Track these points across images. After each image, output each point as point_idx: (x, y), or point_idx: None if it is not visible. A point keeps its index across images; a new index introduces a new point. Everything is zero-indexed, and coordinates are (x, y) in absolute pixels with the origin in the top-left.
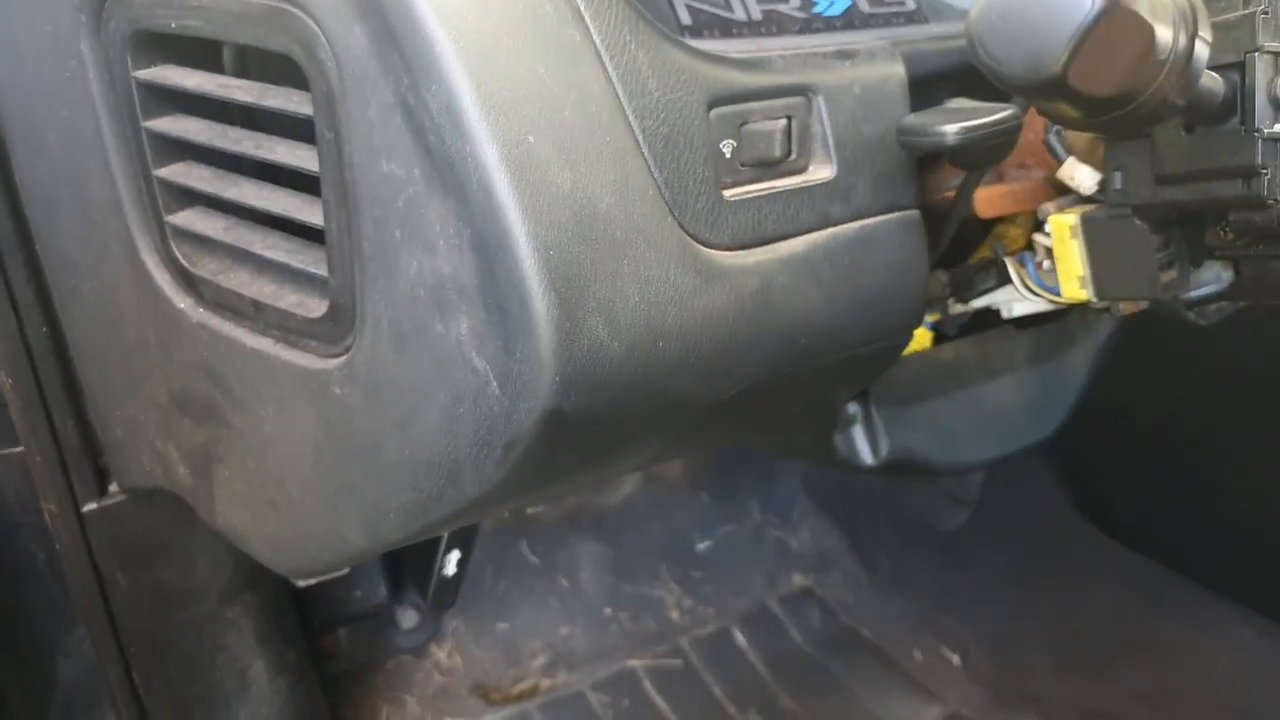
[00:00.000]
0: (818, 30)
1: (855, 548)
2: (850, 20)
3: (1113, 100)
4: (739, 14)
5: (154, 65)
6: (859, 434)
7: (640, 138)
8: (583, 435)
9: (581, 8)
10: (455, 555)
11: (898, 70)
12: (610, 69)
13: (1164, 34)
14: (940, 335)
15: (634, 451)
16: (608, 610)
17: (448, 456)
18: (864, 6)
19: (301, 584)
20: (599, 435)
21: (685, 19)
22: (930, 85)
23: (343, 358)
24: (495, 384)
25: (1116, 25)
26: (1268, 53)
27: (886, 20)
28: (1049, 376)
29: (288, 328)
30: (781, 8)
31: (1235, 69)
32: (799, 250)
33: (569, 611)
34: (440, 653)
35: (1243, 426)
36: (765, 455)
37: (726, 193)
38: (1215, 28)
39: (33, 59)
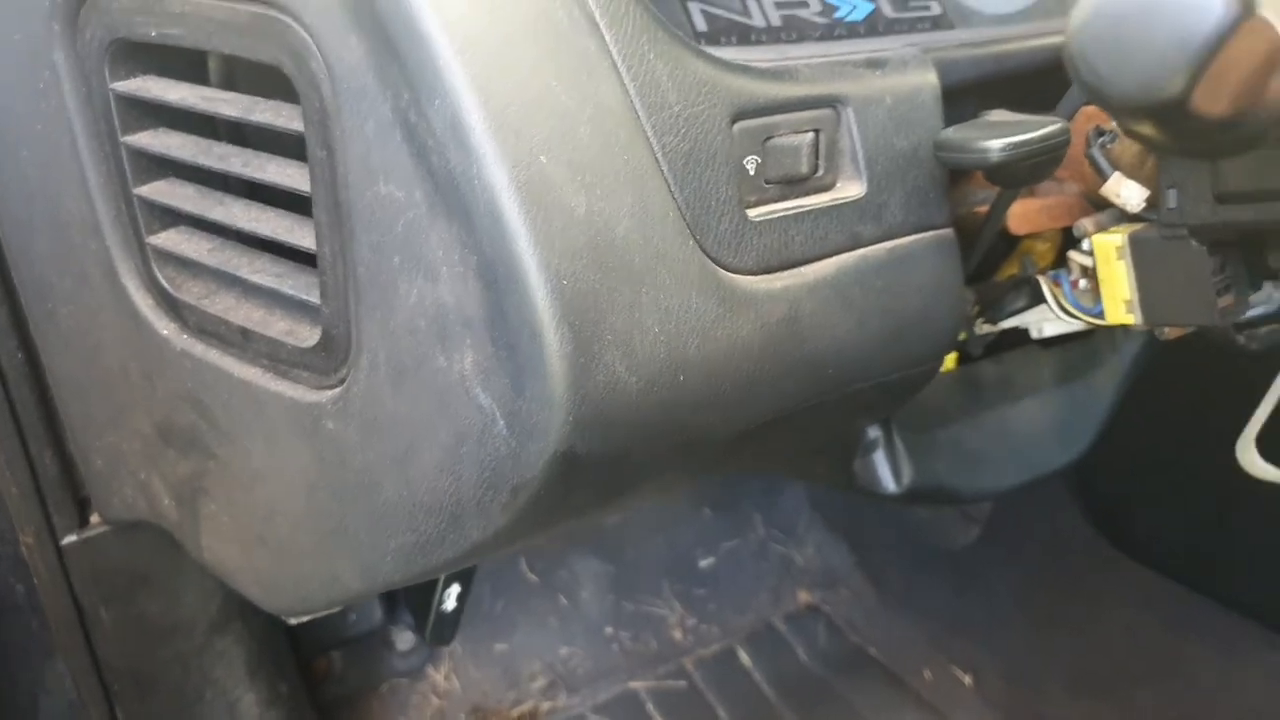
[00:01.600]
0: (840, 37)
1: (862, 564)
2: (874, 26)
3: (1227, 123)
4: (757, 20)
5: (134, 76)
6: (881, 460)
7: (659, 155)
8: (596, 476)
9: (596, 15)
10: (455, 590)
11: (930, 79)
12: (628, 81)
13: None
14: (964, 356)
15: (649, 488)
16: (609, 629)
17: (450, 498)
18: (887, 11)
19: (293, 621)
20: (613, 475)
21: (701, 25)
22: (957, 96)
23: (336, 390)
24: (502, 423)
25: (1246, 39)
26: None
27: (911, 26)
28: (1075, 398)
29: (277, 357)
30: (801, 13)
31: None
32: (827, 273)
33: (569, 631)
34: (437, 675)
35: (1271, 442)
36: None
37: (750, 213)
38: None
39: (3, 70)
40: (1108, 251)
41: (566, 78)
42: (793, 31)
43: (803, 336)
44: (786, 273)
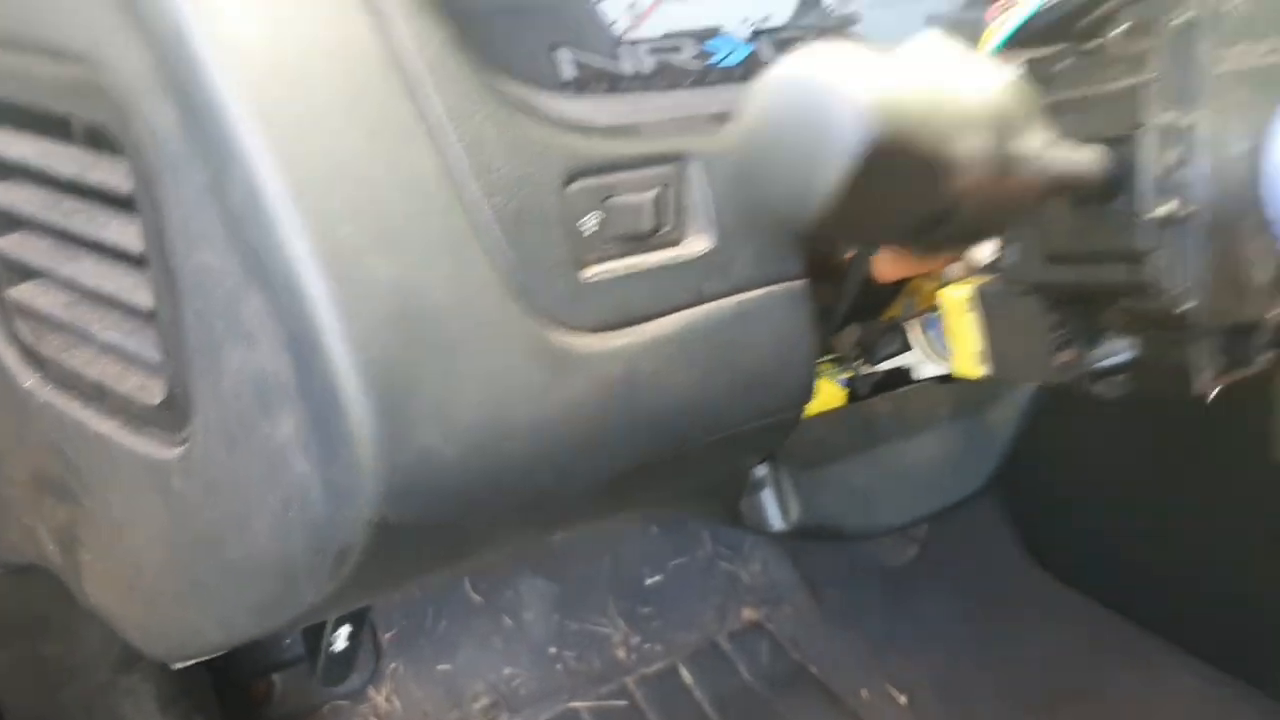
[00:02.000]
0: (714, 83)
1: (806, 581)
2: (750, 70)
3: (906, 234)
4: (628, 67)
5: None
6: (768, 499)
7: (484, 218)
8: (424, 541)
9: (417, 80)
10: (345, 630)
11: None
12: (451, 145)
13: (969, 146)
14: (855, 393)
15: (495, 543)
16: (553, 649)
17: (283, 561)
18: (766, 55)
19: (176, 666)
20: (442, 539)
21: (569, 73)
22: None
23: (181, 449)
24: (319, 490)
25: (889, 161)
26: (1155, 128)
27: None
28: (972, 432)
29: (130, 413)
30: (675, 59)
31: (1123, 142)
32: (668, 330)
33: (513, 651)
34: (378, 696)
35: (1189, 471)
36: None
37: (588, 271)
38: (1100, 99)
39: None
40: (956, 304)
41: (378, 145)
42: (665, 79)
43: (642, 394)
44: (625, 330)
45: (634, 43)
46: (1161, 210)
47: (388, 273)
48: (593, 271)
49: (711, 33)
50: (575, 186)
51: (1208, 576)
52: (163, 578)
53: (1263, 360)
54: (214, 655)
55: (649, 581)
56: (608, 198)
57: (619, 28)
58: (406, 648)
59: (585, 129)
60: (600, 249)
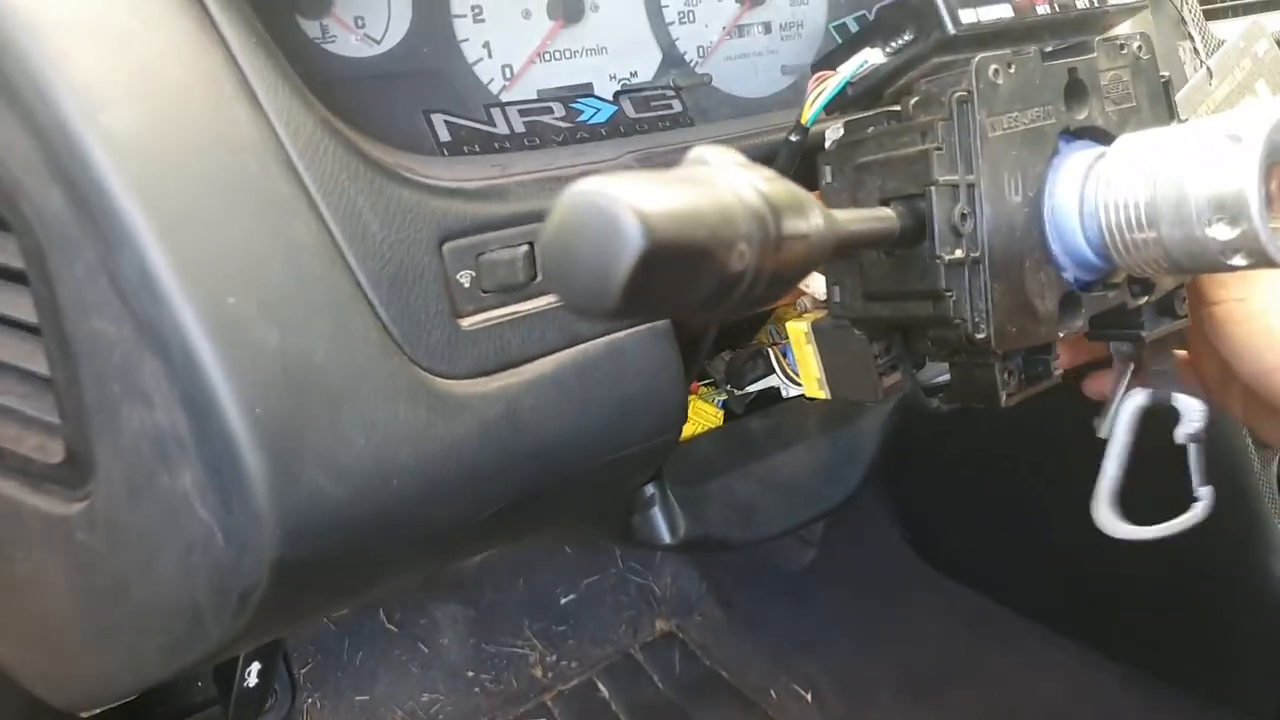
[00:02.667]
0: (582, 140)
1: (714, 589)
2: (615, 127)
3: (700, 307)
4: (501, 128)
5: None
6: (657, 515)
7: (362, 281)
8: (323, 577)
9: (295, 159)
10: (256, 667)
11: None
12: (327, 217)
13: (735, 239)
14: (731, 412)
15: (395, 574)
16: (470, 673)
17: (189, 602)
18: (629, 112)
19: (84, 716)
20: (342, 574)
21: (444, 135)
22: None
23: (84, 504)
24: (220, 536)
25: (665, 262)
26: (944, 185)
27: (652, 125)
28: (842, 443)
29: (29, 472)
30: (545, 119)
31: (919, 198)
32: (546, 371)
33: (430, 678)
34: None
35: (1050, 465)
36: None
37: (465, 321)
38: (899, 161)
39: None
40: (798, 336)
41: (258, 223)
42: (535, 138)
43: (523, 430)
44: (503, 374)
45: (506, 105)
46: (952, 255)
47: (272, 336)
48: (470, 321)
49: (583, 91)
50: (449, 246)
51: (1072, 564)
52: (68, 629)
53: (1059, 374)
54: (124, 700)
55: (564, 601)
56: (481, 254)
57: (495, 87)
58: (322, 681)
59: (456, 193)
60: (478, 300)
